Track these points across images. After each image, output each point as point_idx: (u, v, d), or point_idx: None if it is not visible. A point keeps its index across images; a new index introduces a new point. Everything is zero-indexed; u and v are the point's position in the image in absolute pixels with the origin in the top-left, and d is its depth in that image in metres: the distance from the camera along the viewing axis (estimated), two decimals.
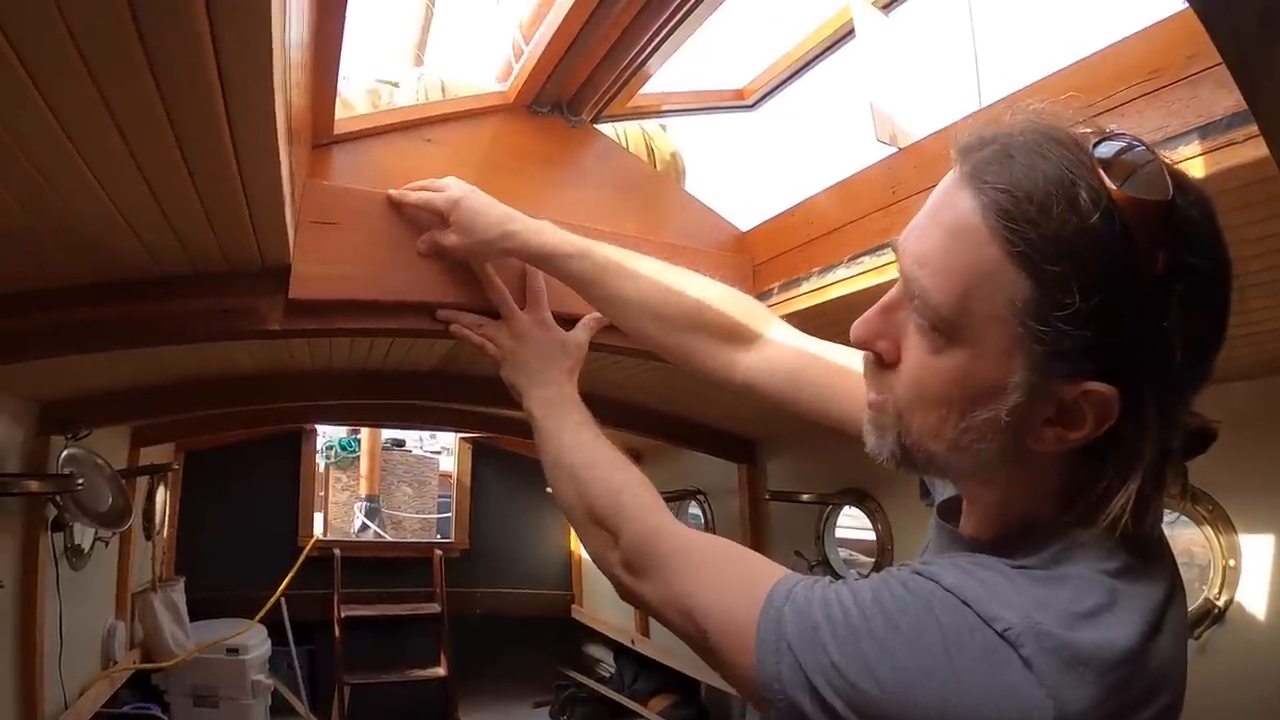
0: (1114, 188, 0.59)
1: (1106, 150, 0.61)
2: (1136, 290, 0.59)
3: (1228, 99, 0.91)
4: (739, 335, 1.15)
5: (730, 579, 0.77)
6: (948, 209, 0.66)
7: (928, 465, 0.73)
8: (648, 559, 0.86)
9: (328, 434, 6.80)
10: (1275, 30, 0.52)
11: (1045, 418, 0.65)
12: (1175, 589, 0.68)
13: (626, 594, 0.90)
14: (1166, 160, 0.63)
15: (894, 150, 1.53)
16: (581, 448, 1.08)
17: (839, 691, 0.62)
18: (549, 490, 1.10)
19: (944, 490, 0.87)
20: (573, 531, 5.31)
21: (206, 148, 0.89)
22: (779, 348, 1.12)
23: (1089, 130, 0.64)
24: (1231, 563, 1.60)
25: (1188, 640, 0.68)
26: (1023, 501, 0.71)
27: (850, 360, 0.99)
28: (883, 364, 0.74)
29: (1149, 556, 0.67)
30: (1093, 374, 0.62)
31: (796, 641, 0.66)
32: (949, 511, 0.82)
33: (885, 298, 0.74)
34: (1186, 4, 0.56)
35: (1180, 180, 0.62)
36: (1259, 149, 0.79)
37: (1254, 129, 0.85)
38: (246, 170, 0.96)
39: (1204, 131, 0.94)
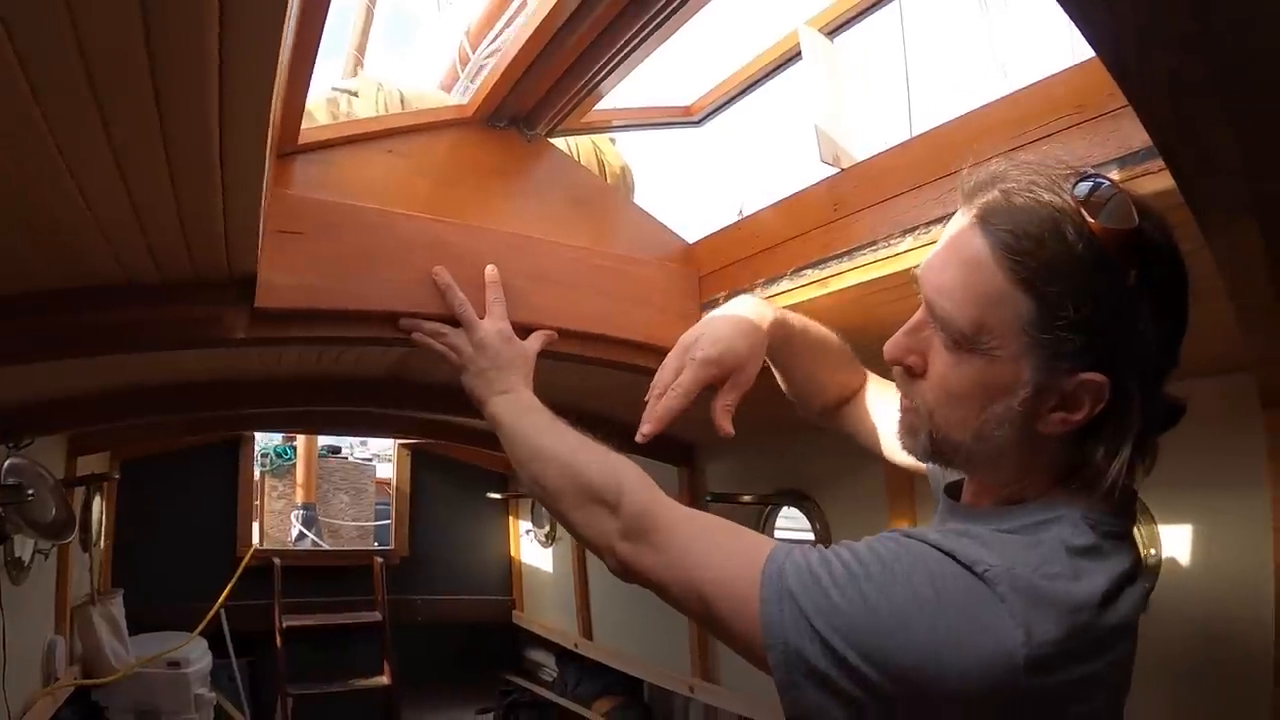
0: (1093, 221, 0.73)
1: (1084, 189, 0.75)
2: (1116, 300, 0.74)
3: (1144, 133, 1.00)
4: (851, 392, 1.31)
5: (730, 545, 0.88)
6: (962, 246, 0.81)
7: (955, 453, 0.86)
8: (651, 527, 0.94)
9: (262, 441, 6.68)
10: (1182, 86, 0.60)
11: (1051, 406, 0.78)
12: (1135, 574, 0.80)
13: (624, 566, 0.97)
14: (1129, 191, 0.76)
15: (836, 171, 1.60)
16: (565, 437, 1.16)
17: (839, 629, 0.73)
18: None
19: (949, 476, 1.00)
20: (513, 536, 5.34)
21: (194, 154, 0.90)
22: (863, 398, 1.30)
23: (1068, 172, 0.78)
24: (1152, 552, 1.69)
25: (1139, 617, 0.80)
26: (1024, 481, 0.84)
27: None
28: (913, 375, 0.88)
29: (1118, 544, 0.80)
30: (1087, 367, 0.75)
31: (799, 591, 0.76)
32: (953, 492, 0.96)
33: (910, 321, 0.88)
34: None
35: (1143, 208, 0.75)
36: (1167, 180, 0.86)
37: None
38: (230, 178, 0.97)
39: (1122, 162, 1.03)
